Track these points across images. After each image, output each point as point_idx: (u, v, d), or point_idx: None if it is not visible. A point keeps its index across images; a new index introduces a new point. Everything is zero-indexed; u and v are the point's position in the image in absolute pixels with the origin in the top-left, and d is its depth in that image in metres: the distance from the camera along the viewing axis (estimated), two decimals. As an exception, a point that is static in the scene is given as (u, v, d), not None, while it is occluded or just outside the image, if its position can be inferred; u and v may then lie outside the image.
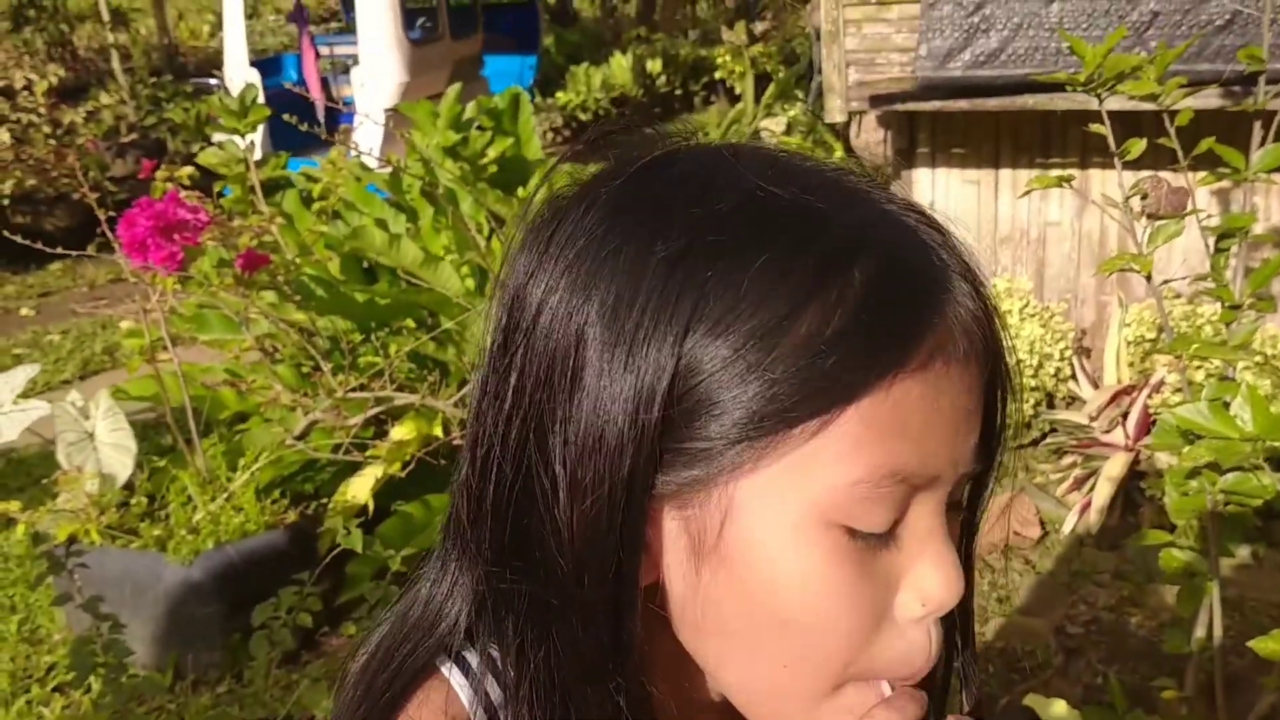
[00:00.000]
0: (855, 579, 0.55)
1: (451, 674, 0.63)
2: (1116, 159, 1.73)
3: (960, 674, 0.70)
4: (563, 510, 0.56)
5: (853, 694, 0.56)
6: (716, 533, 0.55)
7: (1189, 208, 1.68)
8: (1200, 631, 1.97)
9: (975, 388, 0.57)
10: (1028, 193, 1.80)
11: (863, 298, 0.53)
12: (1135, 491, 3.74)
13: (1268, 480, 1.69)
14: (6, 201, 7.56)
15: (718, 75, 10.20)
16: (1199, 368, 3.60)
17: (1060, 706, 1.99)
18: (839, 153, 5.45)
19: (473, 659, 0.63)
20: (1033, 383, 4.03)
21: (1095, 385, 4.05)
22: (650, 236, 0.56)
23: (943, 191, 4.50)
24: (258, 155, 4.23)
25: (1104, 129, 1.74)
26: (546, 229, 0.60)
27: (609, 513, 0.55)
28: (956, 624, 0.67)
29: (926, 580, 0.56)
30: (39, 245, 2.98)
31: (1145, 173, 1.93)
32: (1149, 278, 1.69)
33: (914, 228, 0.59)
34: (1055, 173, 4.05)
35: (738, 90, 8.76)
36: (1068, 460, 3.99)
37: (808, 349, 0.53)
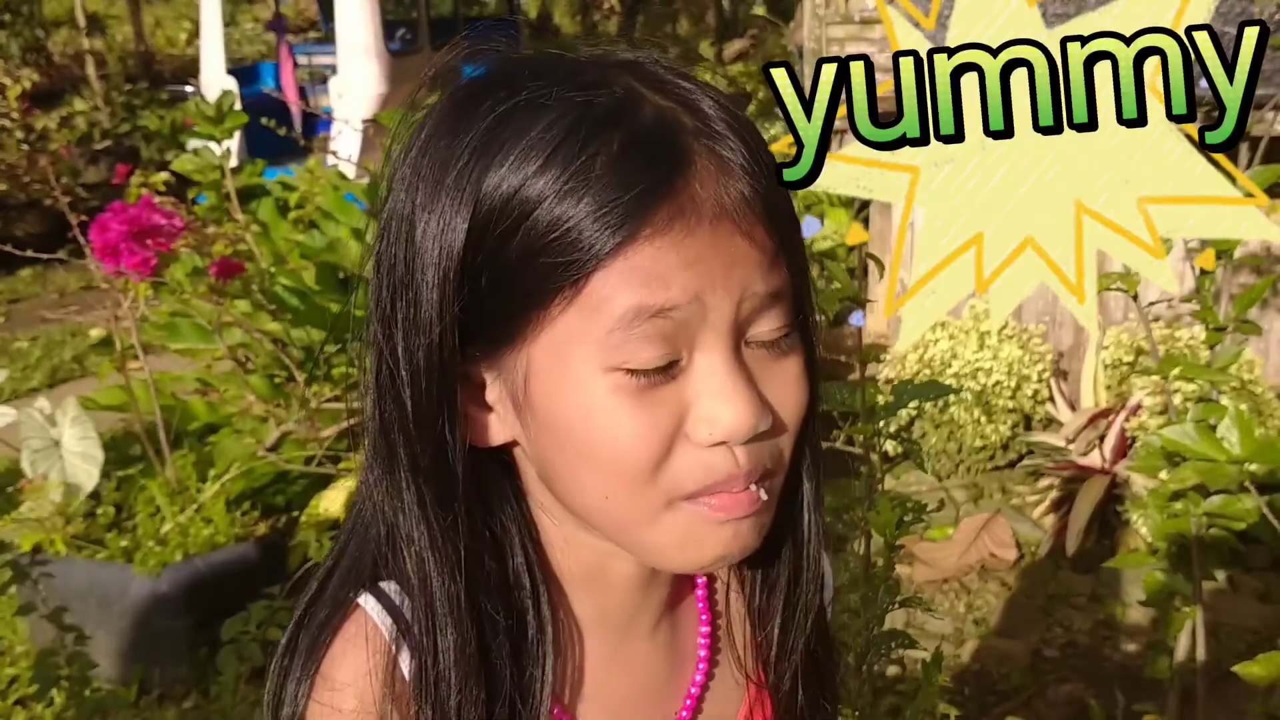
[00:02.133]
0: (639, 411, 0.64)
1: (368, 604, 0.72)
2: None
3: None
4: (406, 390, 0.67)
5: (681, 513, 0.66)
6: (524, 389, 0.66)
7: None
8: (1180, 655, 1.95)
9: (731, 236, 0.64)
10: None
11: (611, 166, 0.62)
12: (1112, 515, 3.74)
13: (1251, 504, 1.69)
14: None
15: (696, 94, 10.20)
16: (1176, 391, 3.61)
17: (1040, 730, 1.97)
18: (819, 171, 5.45)
19: (389, 587, 0.72)
20: (1010, 404, 4.03)
21: (1073, 408, 4.05)
22: (458, 130, 0.66)
23: (922, 210, 4.50)
24: (234, 163, 4.18)
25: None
26: (397, 157, 0.70)
27: (432, 381, 0.66)
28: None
29: (711, 408, 0.64)
30: (8, 249, 2.93)
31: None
32: (1135, 297, 1.68)
33: (672, 107, 0.66)
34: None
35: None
36: (1044, 483, 3.99)
37: (561, 220, 0.62)
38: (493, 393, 0.69)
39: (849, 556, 1.19)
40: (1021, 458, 4.10)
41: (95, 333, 5.43)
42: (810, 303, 0.70)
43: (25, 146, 7.94)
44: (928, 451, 4.07)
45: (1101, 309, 4.23)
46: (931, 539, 3.80)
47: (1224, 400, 2.14)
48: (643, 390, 0.64)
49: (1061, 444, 3.90)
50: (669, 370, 0.64)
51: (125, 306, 2.92)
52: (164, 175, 3.12)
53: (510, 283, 0.64)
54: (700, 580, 0.82)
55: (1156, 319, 3.96)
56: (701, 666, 0.81)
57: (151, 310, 3.50)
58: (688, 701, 0.80)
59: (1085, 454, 3.85)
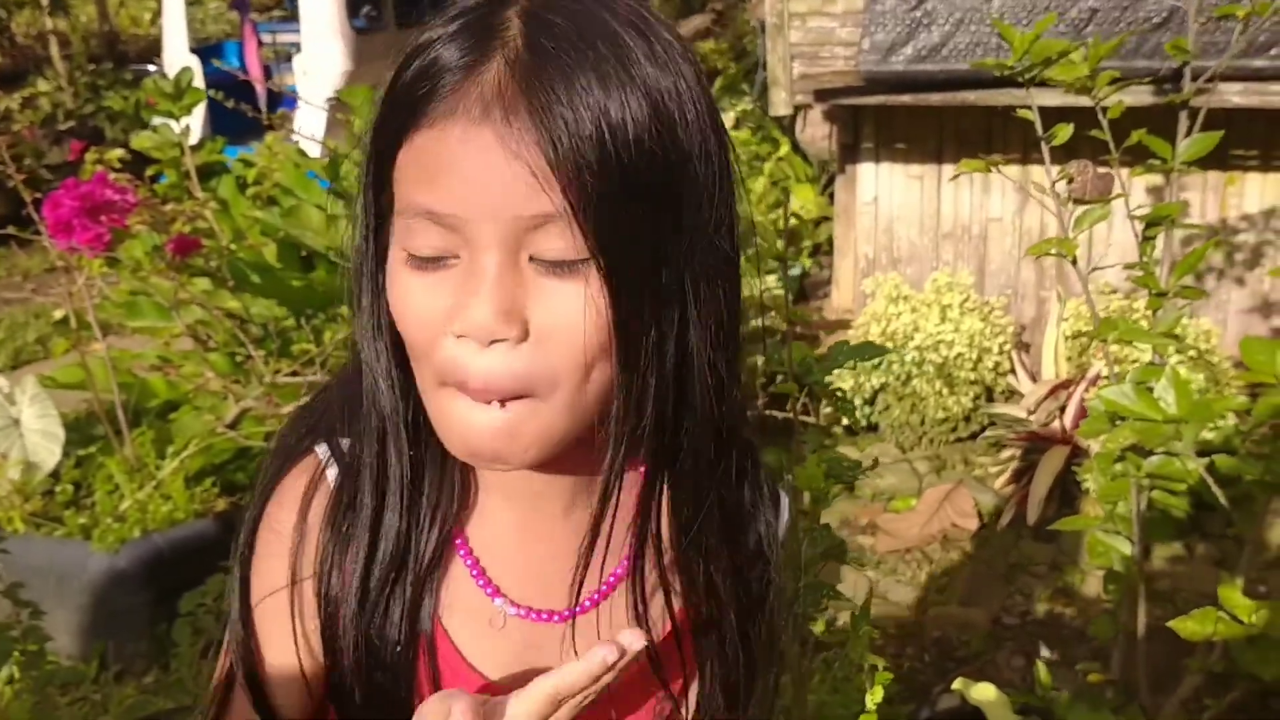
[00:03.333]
0: (419, 290, 0.70)
1: (321, 450, 0.83)
2: (1044, 144, 1.73)
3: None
4: (358, 254, 0.77)
5: (442, 396, 0.72)
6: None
7: (1116, 193, 1.69)
8: (1128, 618, 1.98)
9: (504, 146, 0.66)
10: (958, 176, 1.81)
11: (401, 71, 0.70)
12: (1072, 484, 3.78)
13: (1191, 465, 1.71)
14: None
15: (667, 71, 10.16)
16: (1133, 361, 3.65)
17: (988, 689, 2.00)
18: (785, 147, 5.46)
19: (344, 442, 0.82)
20: (972, 376, 4.06)
21: (1034, 379, 4.09)
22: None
23: (886, 186, 4.52)
24: (194, 140, 4.15)
25: (1031, 114, 1.75)
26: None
27: (367, 240, 0.76)
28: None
29: (462, 304, 0.68)
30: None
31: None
32: (1074, 262, 1.70)
33: (515, 32, 0.68)
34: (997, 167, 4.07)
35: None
36: (1006, 453, 4.02)
37: (380, 109, 0.72)
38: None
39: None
40: (983, 429, 4.13)
41: (58, 314, 5.39)
42: (622, 243, 0.68)
43: (-13, 127, 7.84)
44: (891, 424, 4.10)
45: (1062, 280, 4.26)
46: (894, 510, 3.84)
47: (1172, 363, 2.16)
48: (424, 272, 0.70)
49: (1023, 415, 3.93)
50: (443, 261, 0.70)
51: (80, 284, 2.90)
52: (119, 152, 3.10)
53: (379, 161, 0.73)
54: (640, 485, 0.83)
55: (1114, 290, 3.99)
56: (624, 563, 0.83)
57: (111, 289, 3.47)
58: (597, 594, 0.83)
59: (1046, 424, 3.89)
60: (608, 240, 0.67)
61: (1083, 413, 3.78)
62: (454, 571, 0.82)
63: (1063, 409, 3.87)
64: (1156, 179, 3.91)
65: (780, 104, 4.29)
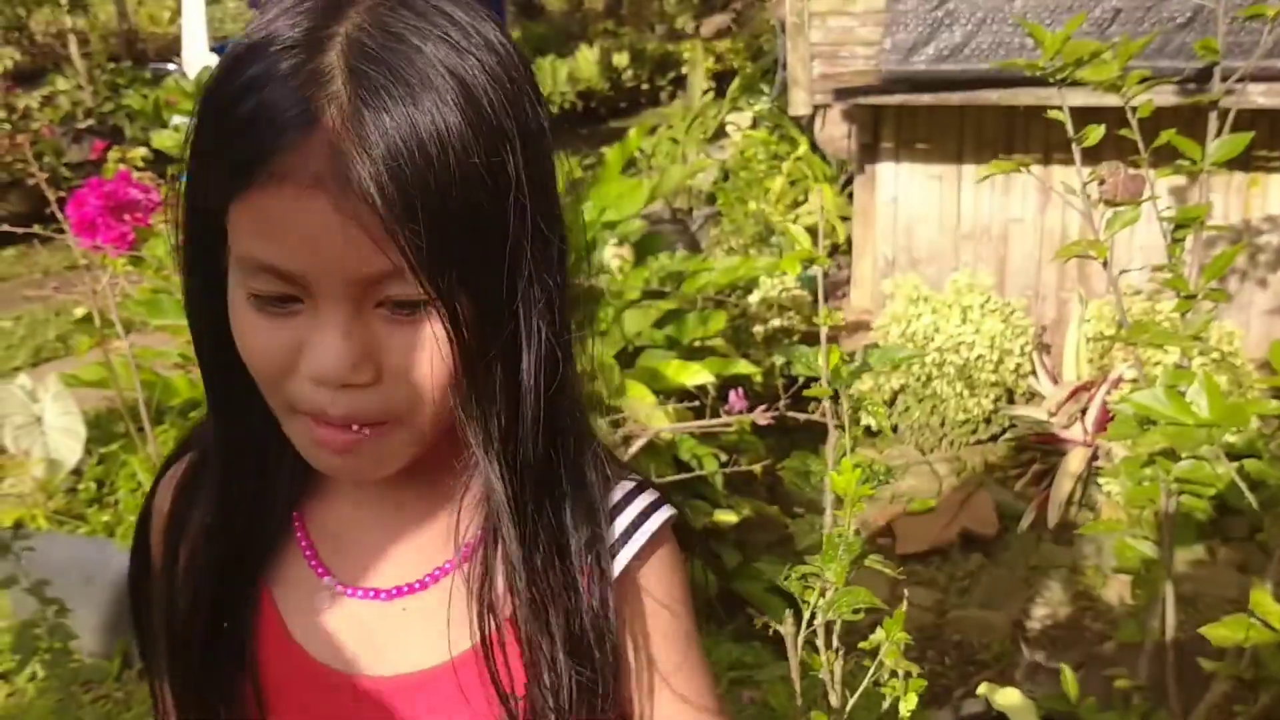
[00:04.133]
0: (263, 329, 0.72)
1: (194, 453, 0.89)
2: (1075, 145, 1.72)
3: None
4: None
5: (299, 423, 0.75)
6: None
7: (1148, 195, 1.68)
8: (1155, 622, 1.97)
9: (332, 213, 0.66)
10: (986, 178, 1.80)
11: (233, 122, 0.67)
12: (1094, 487, 3.76)
13: (1221, 469, 1.70)
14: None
15: (684, 70, 10.18)
16: (1157, 363, 3.63)
17: (1013, 694, 1.99)
18: (803, 147, 5.45)
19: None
20: (993, 378, 4.04)
21: (1055, 381, 4.07)
22: None
23: (905, 187, 4.51)
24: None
25: (1062, 115, 1.74)
26: None
27: (194, 232, 0.74)
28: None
29: (313, 352, 0.71)
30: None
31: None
32: (1105, 264, 1.68)
33: (330, 69, 0.67)
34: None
35: (704, 86, 8.78)
36: (1026, 455, 4.01)
37: (202, 158, 0.70)
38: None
39: (814, 519, 1.20)
40: (1004, 431, 4.12)
41: (79, 311, 5.42)
42: (472, 275, 0.70)
43: (7, 126, 7.88)
44: (911, 425, 4.09)
45: (1084, 282, 4.24)
46: (914, 511, 3.82)
47: (1195, 366, 2.15)
48: (268, 313, 0.71)
49: (1043, 417, 3.92)
50: (288, 304, 0.71)
51: (104, 282, 2.91)
52: (142, 151, 3.10)
53: (207, 173, 0.71)
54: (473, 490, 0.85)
55: (1138, 292, 3.97)
56: (460, 555, 0.84)
57: (133, 287, 3.49)
58: (429, 577, 0.85)
59: (1067, 427, 3.87)
60: (447, 281, 0.69)
61: (1104, 415, 3.76)
62: (289, 548, 0.86)
63: (1084, 411, 3.85)
64: (1179, 180, 3.89)
65: (800, 103, 4.27)
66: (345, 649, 0.84)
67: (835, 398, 1.17)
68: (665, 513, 0.90)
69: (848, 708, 1.13)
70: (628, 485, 0.89)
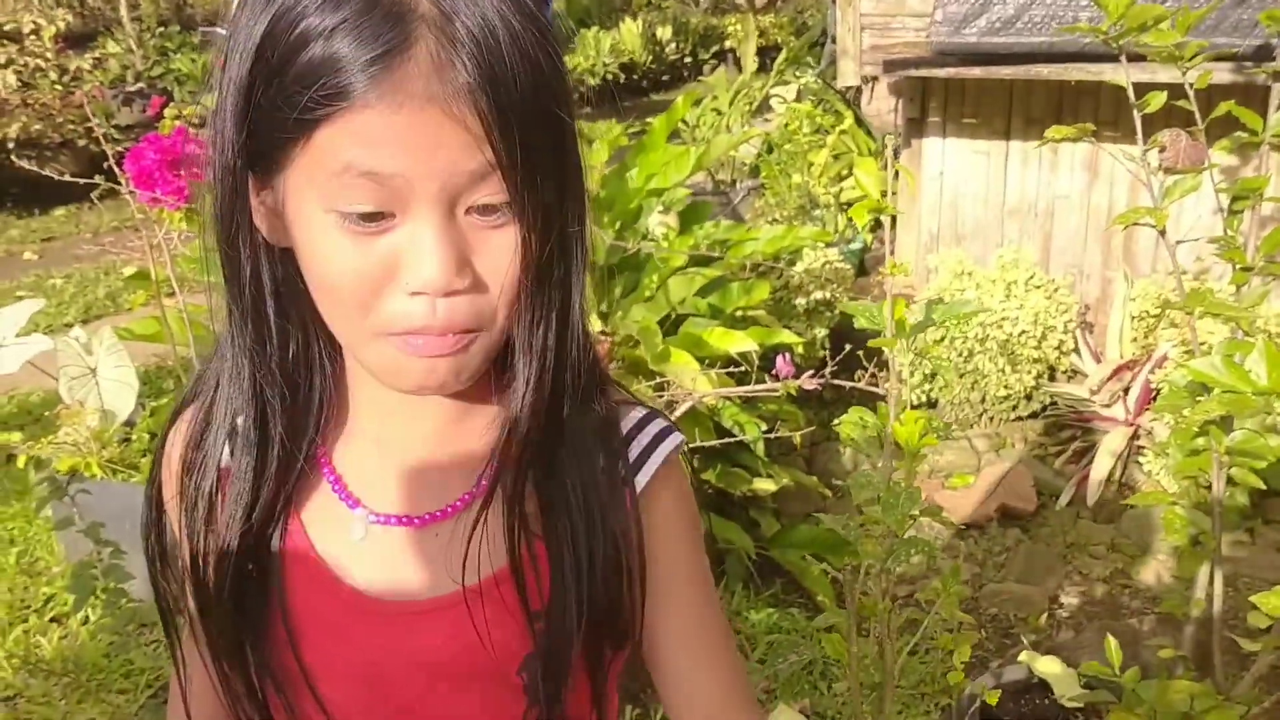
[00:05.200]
0: (351, 253, 0.73)
1: (190, 408, 0.89)
2: (1136, 112, 1.72)
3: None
4: (215, 190, 0.77)
5: (387, 345, 0.75)
6: (282, 209, 0.75)
7: (1207, 163, 1.67)
8: (1198, 594, 1.97)
9: (438, 120, 0.69)
10: (1043, 144, 1.79)
11: (348, 33, 0.69)
12: (1134, 466, 3.74)
13: (1275, 441, 1.69)
14: (11, 146, 7.52)
15: (728, 44, 10.14)
16: (1203, 343, 3.60)
17: (1054, 663, 2.00)
18: (848, 120, 5.42)
19: (203, 396, 0.88)
20: (1035, 355, 4.03)
21: (1098, 359, 4.05)
22: None
23: (952, 161, 4.48)
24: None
25: (1122, 81, 1.73)
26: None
27: (228, 179, 0.75)
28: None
29: (413, 262, 0.72)
30: (55, 175, 2.96)
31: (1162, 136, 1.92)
32: (1163, 232, 1.68)
33: None
34: (1066, 144, 4.01)
35: (754, 59, 8.73)
36: (1067, 433, 4.00)
37: (304, 68, 0.69)
38: (269, 201, 0.77)
39: (870, 473, 1.21)
40: (1045, 408, 4.10)
41: (128, 270, 5.48)
42: (544, 184, 0.74)
43: (59, 87, 7.96)
44: (951, 400, 4.08)
45: (1129, 260, 4.21)
46: (952, 487, 3.82)
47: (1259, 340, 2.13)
48: (356, 235, 0.72)
49: (1085, 395, 3.90)
50: (380, 220, 0.72)
51: (160, 237, 2.95)
52: (197, 109, 3.14)
53: (268, 121, 0.72)
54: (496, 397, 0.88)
55: (1184, 271, 3.94)
56: (483, 484, 0.86)
57: (185, 245, 3.53)
58: (459, 500, 0.87)
59: (1109, 405, 3.86)
60: (530, 181, 0.73)
61: (1147, 394, 3.74)
62: (317, 484, 0.88)
63: (1126, 390, 3.83)
64: (1231, 160, 3.84)
65: (849, 74, 4.26)
66: (379, 577, 0.87)
67: (878, 363, 1.18)
68: (676, 439, 0.92)
69: (900, 656, 1.15)
70: (639, 412, 0.92)
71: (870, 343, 1.15)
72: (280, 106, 0.71)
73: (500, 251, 0.75)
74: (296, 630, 0.86)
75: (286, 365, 0.84)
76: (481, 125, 0.70)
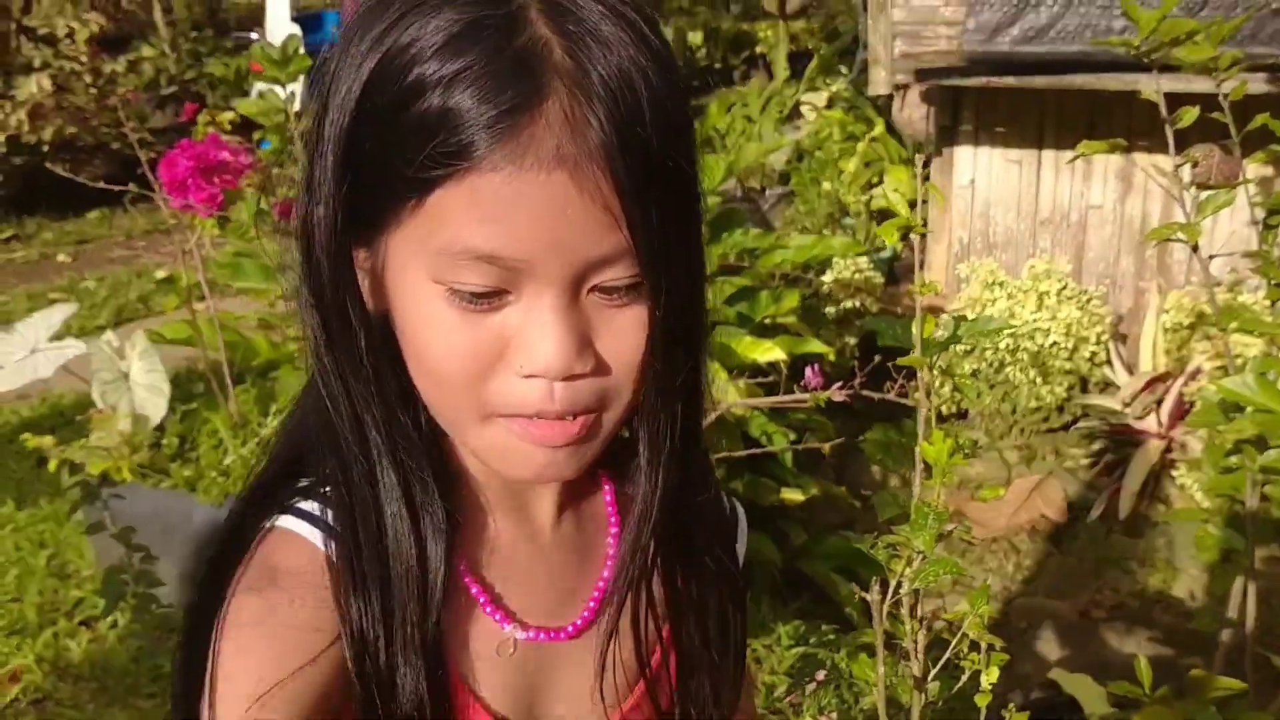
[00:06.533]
0: (461, 329, 0.66)
1: (291, 524, 0.74)
2: (1168, 127, 1.70)
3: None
4: (314, 251, 0.69)
5: (498, 428, 0.69)
6: (382, 272, 0.69)
7: (1241, 179, 1.65)
8: (1231, 613, 1.95)
9: (568, 191, 0.62)
10: (1076, 158, 1.77)
11: (469, 87, 0.62)
12: (1166, 480, 3.71)
13: (1309, 460, 1.67)
14: (46, 149, 7.60)
15: (759, 50, 10.13)
16: (1237, 356, 3.56)
17: (1084, 680, 1.98)
18: (880, 127, 5.40)
19: (309, 505, 0.74)
20: (1067, 366, 3.99)
21: (1130, 371, 4.01)
22: (384, 8, 0.66)
23: (984, 170, 4.46)
24: (297, 108, 4.22)
25: (1155, 96, 1.71)
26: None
27: (330, 239, 0.68)
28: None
29: (530, 344, 0.66)
30: (88, 182, 2.99)
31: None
32: (1195, 248, 1.66)
33: (548, 37, 0.63)
34: (1099, 155, 3.99)
35: (785, 66, 8.72)
36: (1098, 446, 3.96)
37: (410, 134, 0.62)
38: (368, 263, 0.71)
39: (898, 492, 1.20)
40: (1076, 420, 4.07)
41: (160, 273, 5.53)
42: (674, 256, 0.68)
43: (93, 91, 8.05)
44: (981, 411, 4.05)
45: (1163, 272, 4.17)
46: (983, 499, 3.79)
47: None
48: (467, 310, 0.65)
49: (1117, 407, 3.87)
50: (494, 299, 0.65)
51: (192, 243, 2.97)
52: (231, 114, 3.17)
53: (375, 177, 0.65)
54: (608, 486, 0.85)
55: (1218, 283, 3.90)
56: (609, 562, 0.83)
57: (216, 250, 3.56)
58: (593, 599, 0.82)
59: (1141, 418, 3.82)
60: (664, 255, 0.67)
61: (1180, 407, 3.70)
62: (460, 602, 0.77)
63: (1159, 403, 3.80)
64: (1265, 171, 3.80)
65: (880, 83, 4.24)
66: (535, 698, 0.80)
67: (906, 375, 1.17)
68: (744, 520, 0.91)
69: (930, 677, 1.13)
70: (724, 496, 0.90)
71: (898, 360, 1.14)
72: (390, 161, 0.64)
73: (627, 332, 0.69)
74: None
75: (413, 454, 0.73)
76: (617, 196, 0.63)
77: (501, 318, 0.66)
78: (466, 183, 0.62)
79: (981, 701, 1.14)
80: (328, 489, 0.74)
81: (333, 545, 0.72)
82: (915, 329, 1.11)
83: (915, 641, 1.15)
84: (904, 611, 1.17)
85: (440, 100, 0.62)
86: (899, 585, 1.10)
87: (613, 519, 0.85)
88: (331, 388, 0.72)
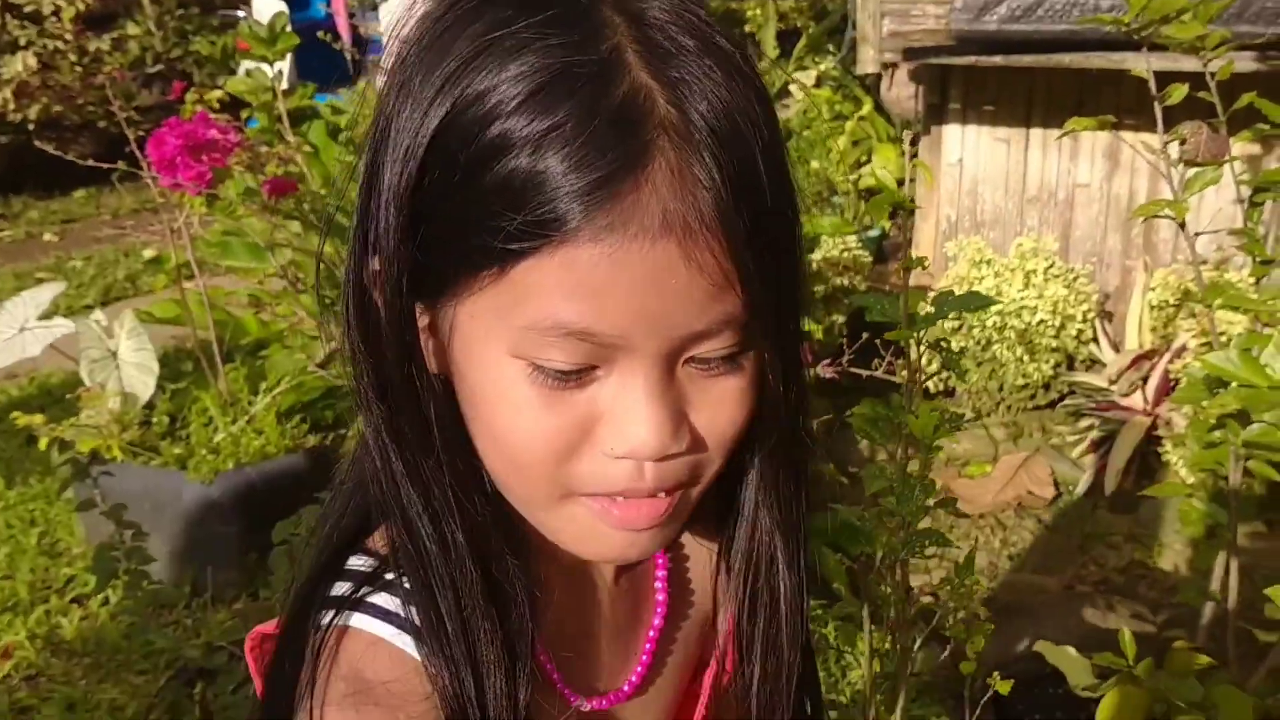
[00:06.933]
0: (545, 408, 0.60)
1: (371, 626, 0.67)
2: (1156, 105, 1.71)
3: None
4: (371, 306, 0.64)
5: (580, 507, 0.64)
6: (449, 341, 0.63)
7: (1228, 157, 1.66)
8: (1214, 586, 1.97)
9: (674, 261, 0.56)
10: (1065, 134, 1.79)
11: (561, 149, 0.55)
12: (1152, 457, 3.73)
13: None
14: (32, 127, 7.55)
15: (747, 28, 10.09)
16: (1222, 333, 3.58)
17: (1069, 652, 2.00)
18: (868, 106, 5.41)
19: (383, 600, 0.67)
20: (1054, 344, 4.01)
21: (1116, 349, 4.04)
22: (446, 42, 0.60)
23: (972, 149, 4.46)
24: (284, 86, 4.21)
25: (1144, 73, 1.73)
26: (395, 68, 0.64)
27: (392, 294, 0.62)
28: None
29: (622, 425, 0.60)
30: (76, 159, 2.98)
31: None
32: (1182, 224, 1.67)
33: (649, 86, 0.57)
34: (1087, 133, 3.98)
35: (774, 45, 8.69)
36: (1085, 423, 3.98)
37: (493, 198, 0.56)
38: (427, 322, 0.65)
39: (884, 464, 1.22)
40: (1063, 397, 4.09)
41: (148, 252, 5.52)
42: (780, 320, 0.63)
43: (79, 69, 7.99)
44: (968, 389, 4.07)
45: (1149, 250, 4.19)
46: (969, 476, 3.82)
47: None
48: (551, 388, 0.60)
49: (1104, 385, 3.89)
50: (581, 376, 0.60)
51: (182, 221, 2.97)
52: (219, 93, 3.16)
53: (448, 242, 0.60)
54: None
55: (1204, 261, 3.92)
56: (660, 610, 0.81)
57: (205, 229, 3.56)
58: (648, 646, 0.80)
59: (1127, 395, 3.84)
60: (775, 319, 0.62)
61: (1166, 384, 3.72)
62: (537, 682, 0.71)
63: (1145, 380, 3.82)
64: (1253, 149, 3.82)
65: (868, 62, 4.24)
66: None
67: (893, 351, 1.19)
68: None
69: (916, 647, 1.15)
70: None
71: (886, 335, 1.15)
72: (467, 226, 0.58)
73: (725, 405, 0.64)
74: None
75: (485, 534, 0.67)
76: (730, 260, 0.57)
77: (589, 395, 0.61)
78: (560, 254, 0.56)
79: (966, 669, 1.16)
80: (403, 578, 0.67)
81: (424, 650, 0.66)
82: (902, 303, 1.12)
83: (901, 614, 1.18)
84: (889, 580, 1.19)
85: (530, 163, 0.55)
86: (884, 557, 1.12)
87: (659, 559, 0.82)
88: (391, 463, 0.65)
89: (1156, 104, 1.71)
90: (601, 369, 0.60)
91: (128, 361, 3.11)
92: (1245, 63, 3.40)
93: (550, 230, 0.55)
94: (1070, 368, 4.12)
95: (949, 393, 4.18)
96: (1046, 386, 4.08)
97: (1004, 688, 1.10)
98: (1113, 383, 3.86)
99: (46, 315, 3.08)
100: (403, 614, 0.67)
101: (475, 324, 0.61)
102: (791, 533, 0.75)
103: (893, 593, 1.15)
